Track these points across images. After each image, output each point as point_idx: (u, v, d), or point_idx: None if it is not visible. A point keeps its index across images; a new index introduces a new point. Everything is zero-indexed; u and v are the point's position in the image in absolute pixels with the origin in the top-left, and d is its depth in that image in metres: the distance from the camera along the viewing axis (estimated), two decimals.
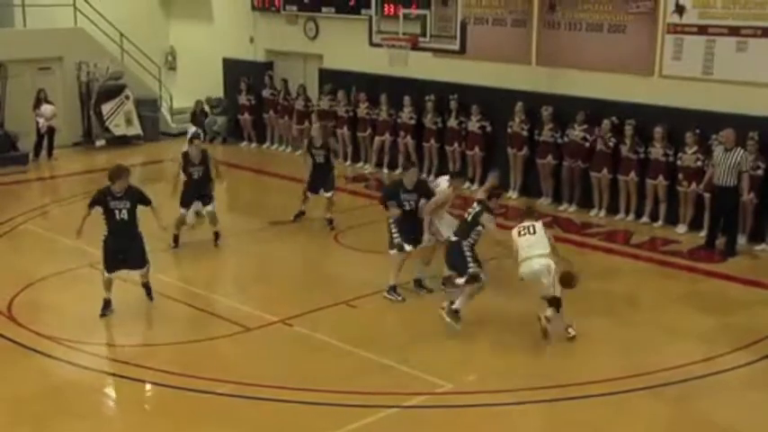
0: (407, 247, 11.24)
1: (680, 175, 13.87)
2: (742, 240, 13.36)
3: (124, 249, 10.62)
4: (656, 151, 14.09)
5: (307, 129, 19.10)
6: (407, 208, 11.23)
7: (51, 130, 18.86)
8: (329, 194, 14.19)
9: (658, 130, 13.99)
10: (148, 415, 8.74)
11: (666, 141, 14.01)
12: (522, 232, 10.23)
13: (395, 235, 11.26)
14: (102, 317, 10.56)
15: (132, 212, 10.61)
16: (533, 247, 10.09)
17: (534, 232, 10.18)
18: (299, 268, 12.65)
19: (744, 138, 13.02)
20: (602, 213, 14.94)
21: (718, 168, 12.94)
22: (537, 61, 15.85)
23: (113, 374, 9.33)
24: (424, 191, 11.42)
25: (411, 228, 11.22)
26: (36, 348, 9.72)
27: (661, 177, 14.09)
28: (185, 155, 13.13)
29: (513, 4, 16.01)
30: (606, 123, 14.51)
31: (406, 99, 17.22)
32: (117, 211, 10.49)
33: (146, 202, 10.81)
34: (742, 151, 12.86)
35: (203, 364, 9.37)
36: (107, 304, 10.65)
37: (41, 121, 18.63)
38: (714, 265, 12.74)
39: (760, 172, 13.07)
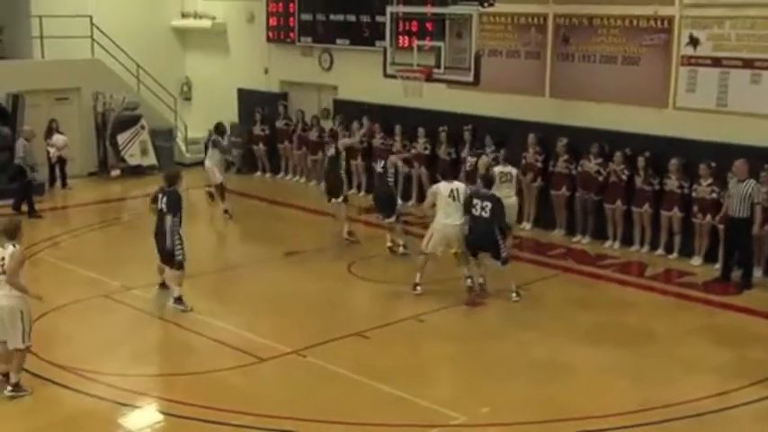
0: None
1: (695, 207, 13.82)
2: (758, 273, 13.29)
3: None
4: (672, 183, 14.06)
5: (320, 159, 19.22)
6: None
7: (62, 161, 19.00)
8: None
9: (673, 162, 13.97)
10: None
11: (681, 173, 13.98)
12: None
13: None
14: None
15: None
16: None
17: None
18: (313, 299, 12.61)
19: (758, 170, 12.99)
20: (617, 245, 14.89)
21: (730, 200, 12.93)
22: (551, 93, 15.90)
23: (128, 405, 9.28)
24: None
25: None
26: (50, 378, 9.71)
27: (676, 209, 14.05)
28: None
29: (527, 36, 16.09)
30: (618, 155, 14.51)
31: (420, 130, 17.27)
32: None
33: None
34: (753, 182, 12.84)
35: (218, 395, 9.32)
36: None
37: (52, 150, 18.78)
38: (730, 298, 12.66)
39: None
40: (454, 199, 12.12)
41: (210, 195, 17.45)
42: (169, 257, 11.87)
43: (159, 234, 11.90)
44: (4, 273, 8.89)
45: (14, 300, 9.01)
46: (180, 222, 11.75)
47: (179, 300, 11.82)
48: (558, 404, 9.34)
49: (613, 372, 10.14)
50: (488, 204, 11.93)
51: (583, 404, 9.30)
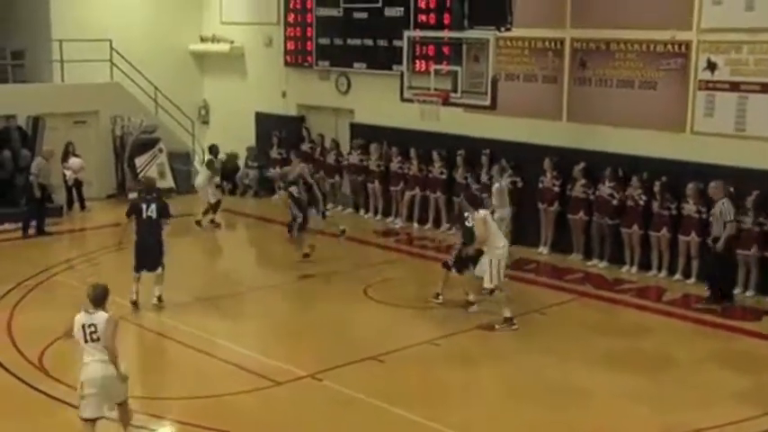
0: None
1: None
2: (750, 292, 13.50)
3: None
4: (689, 208, 13.98)
5: (338, 183, 19.27)
6: None
7: (79, 183, 19.11)
8: None
9: (691, 187, 13.91)
10: None
11: (699, 198, 13.91)
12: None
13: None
14: None
15: None
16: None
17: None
18: (329, 322, 12.59)
19: None
20: (634, 269, 14.80)
21: (711, 222, 13.34)
22: (568, 117, 15.89)
23: (144, 428, 9.22)
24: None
25: None
26: (67, 400, 9.64)
27: (693, 234, 13.96)
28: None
29: (544, 60, 16.10)
30: (635, 179, 14.48)
31: (436, 154, 17.30)
32: None
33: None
34: (725, 200, 13.01)
35: (234, 419, 9.31)
36: None
37: (69, 173, 18.90)
38: (749, 324, 12.55)
39: None
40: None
41: (214, 223, 18.02)
42: (157, 262, 12.47)
43: (153, 242, 12.42)
44: (93, 340, 8.25)
45: (110, 368, 8.27)
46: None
47: (160, 298, 12.60)
48: (574, 430, 9.28)
49: (631, 397, 10.05)
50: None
51: (599, 430, 9.22)
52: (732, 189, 13.45)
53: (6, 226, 17.19)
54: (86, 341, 8.17)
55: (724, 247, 13.01)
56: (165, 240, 12.71)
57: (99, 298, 8.34)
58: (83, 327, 8.17)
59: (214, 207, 18.02)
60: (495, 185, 15.08)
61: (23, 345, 11.28)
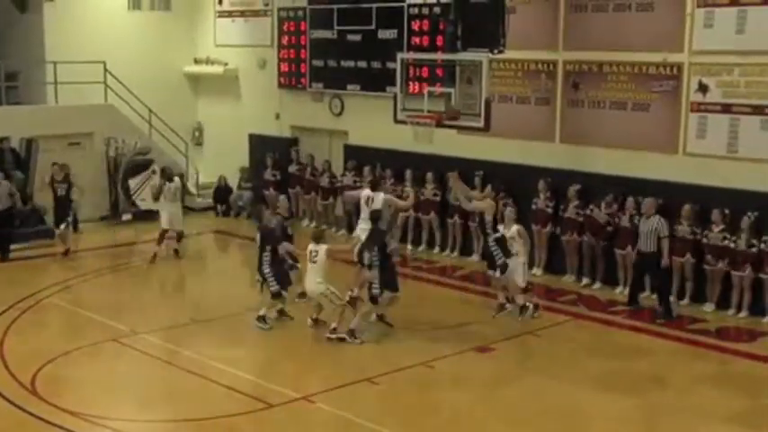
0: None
1: (707, 254, 13.78)
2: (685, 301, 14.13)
3: None
4: (683, 229, 14.01)
5: (331, 204, 19.27)
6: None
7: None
8: None
9: (686, 208, 13.96)
10: None
11: (693, 219, 13.95)
12: None
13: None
14: None
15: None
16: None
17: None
18: (323, 344, 12.59)
19: None
20: (627, 291, 14.78)
21: (639, 236, 13.87)
22: (561, 138, 15.98)
23: None
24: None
25: None
26: (59, 424, 9.69)
27: (688, 255, 13.99)
28: None
29: (537, 82, 16.21)
30: (631, 201, 14.52)
31: (429, 175, 17.33)
32: None
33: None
34: (658, 218, 13.65)
35: None
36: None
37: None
38: (744, 345, 12.58)
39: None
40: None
41: (176, 251, 17.33)
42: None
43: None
44: (314, 262, 12.24)
45: (321, 286, 12.26)
46: None
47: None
48: None
49: (626, 420, 10.06)
50: None
51: None
52: (727, 211, 13.54)
53: None
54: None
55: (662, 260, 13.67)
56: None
57: (318, 235, 12.55)
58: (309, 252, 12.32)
59: (160, 236, 17.03)
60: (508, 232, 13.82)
61: (15, 368, 11.23)
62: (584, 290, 15.13)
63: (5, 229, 16.94)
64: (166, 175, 17.38)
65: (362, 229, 13.51)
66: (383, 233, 12.84)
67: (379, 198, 13.64)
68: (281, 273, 13.04)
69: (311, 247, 12.42)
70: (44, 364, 11.32)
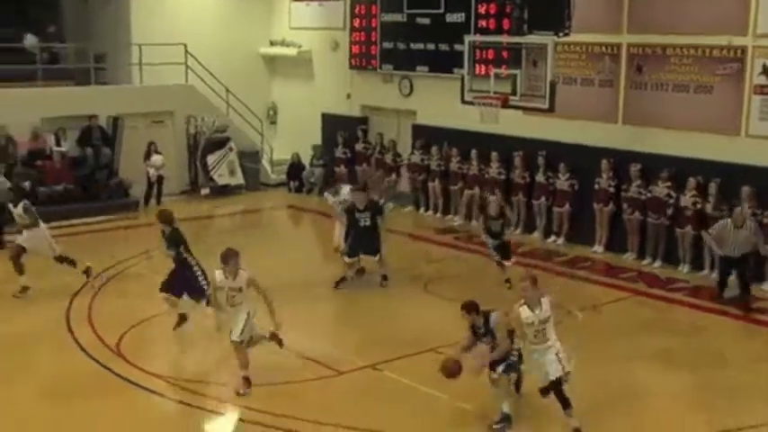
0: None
1: None
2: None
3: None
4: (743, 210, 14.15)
5: (393, 181, 19.80)
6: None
7: (160, 179, 20.07)
8: (376, 258, 14.22)
9: (745, 189, 14.08)
10: None
11: (754, 201, 14.09)
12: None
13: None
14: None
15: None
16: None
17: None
18: (390, 315, 13.02)
19: None
20: (687, 269, 15.06)
21: (730, 245, 13.45)
22: (623, 120, 16.17)
23: (212, 411, 9.85)
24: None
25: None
26: (141, 384, 10.33)
27: None
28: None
29: (601, 65, 16.41)
30: (691, 181, 14.73)
31: (494, 155, 17.70)
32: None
33: None
34: (751, 224, 13.40)
35: (297, 406, 9.71)
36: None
37: (152, 170, 19.88)
38: None
39: None
40: None
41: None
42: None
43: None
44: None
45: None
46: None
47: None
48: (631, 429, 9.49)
49: (683, 397, 10.28)
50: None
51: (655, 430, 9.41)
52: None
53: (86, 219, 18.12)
54: None
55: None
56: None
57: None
58: None
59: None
60: None
61: (102, 331, 11.94)
62: (645, 268, 15.34)
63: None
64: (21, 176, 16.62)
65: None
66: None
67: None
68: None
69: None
70: (129, 329, 11.96)
